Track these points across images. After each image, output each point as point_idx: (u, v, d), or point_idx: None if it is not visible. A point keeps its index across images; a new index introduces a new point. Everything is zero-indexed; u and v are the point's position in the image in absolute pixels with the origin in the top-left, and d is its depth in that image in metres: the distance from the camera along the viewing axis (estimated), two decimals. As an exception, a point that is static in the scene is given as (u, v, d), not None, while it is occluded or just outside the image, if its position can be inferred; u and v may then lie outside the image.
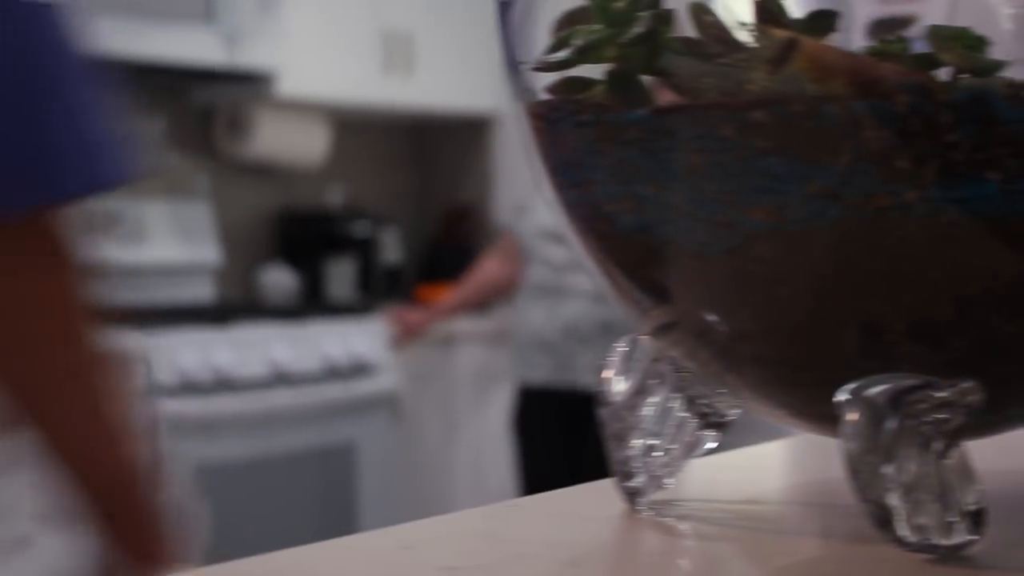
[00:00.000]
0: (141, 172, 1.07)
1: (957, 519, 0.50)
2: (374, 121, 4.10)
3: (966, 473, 0.51)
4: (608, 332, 3.03)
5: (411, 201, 4.30)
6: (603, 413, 0.59)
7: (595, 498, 0.61)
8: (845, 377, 0.53)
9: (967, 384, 0.51)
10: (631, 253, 0.55)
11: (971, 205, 0.49)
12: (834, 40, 0.53)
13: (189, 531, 1.09)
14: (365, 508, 3.36)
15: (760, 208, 0.51)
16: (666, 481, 0.60)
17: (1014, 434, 0.57)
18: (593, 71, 0.59)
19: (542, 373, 3.10)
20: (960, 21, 0.52)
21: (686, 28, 0.57)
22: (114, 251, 3.32)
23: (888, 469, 0.50)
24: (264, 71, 3.35)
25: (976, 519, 0.50)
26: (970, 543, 0.50)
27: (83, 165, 1.01)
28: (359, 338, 3.28)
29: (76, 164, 1.00)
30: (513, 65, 0.59)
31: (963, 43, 0.52)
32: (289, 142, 3.65)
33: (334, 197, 4.01)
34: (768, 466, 0.70)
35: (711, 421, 0.60)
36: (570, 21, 0.59)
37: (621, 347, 0.59)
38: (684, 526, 0.57)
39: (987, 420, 0.54)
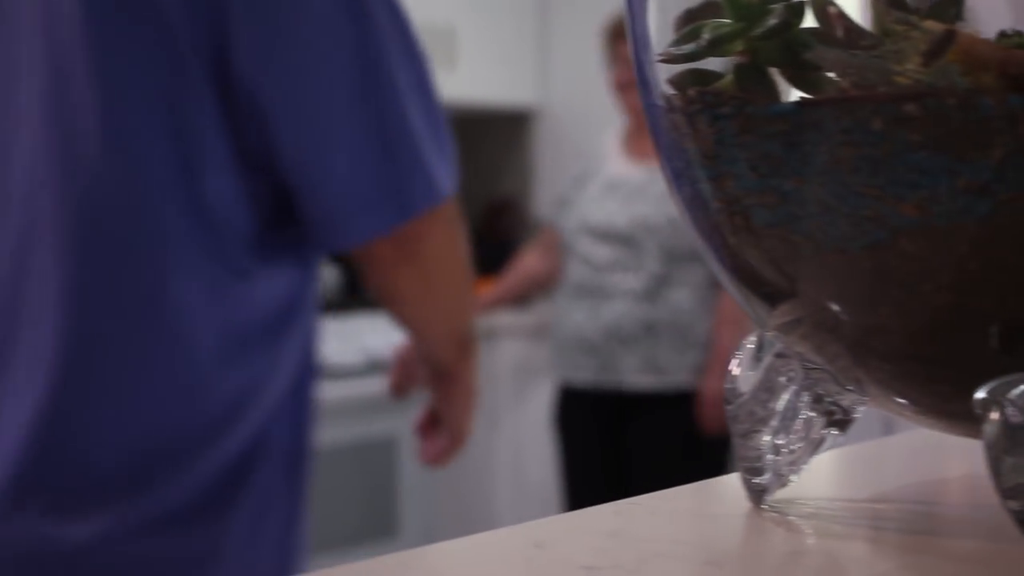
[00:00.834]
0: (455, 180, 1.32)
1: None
2: (414, 114, 4.08)
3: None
4: (650, 332, 3.02)
5: (451, 195, 4.28)
6: (730, 410, 0.58)
7: (717, 495, 0.61)
8: (984, 375, 0.52)
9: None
10: (765, 248, 0.54)
11: None
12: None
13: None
14: (405, 502, 3.36)
15: (908, 202, 0.50)
16: (790, 478, 0.59)
17: None
18: (712, 64, 0.59)
19: (585, 374, 3.09)
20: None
21: (813, 21, 0.56)
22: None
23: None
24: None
25: None
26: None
27: (444, 173, 1.28)
28: (401, 332, 3.27)
29: (443, 172, 1.28)
30: (641, 58, 0.58)
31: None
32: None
33: (374, 190, 4.00)
34: (884, 462, 0.69)
35: (835, 419, 0.59)
36: (695, 15, 0.59)
37: (748, 343, 0.59)
38: (813, 525, 0.57)
39: None
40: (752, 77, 0.57)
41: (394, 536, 3.17)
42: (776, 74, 0.56)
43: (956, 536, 0.56)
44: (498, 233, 4.20)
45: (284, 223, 1.25)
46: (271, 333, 1.27)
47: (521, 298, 3.59)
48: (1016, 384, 0.51)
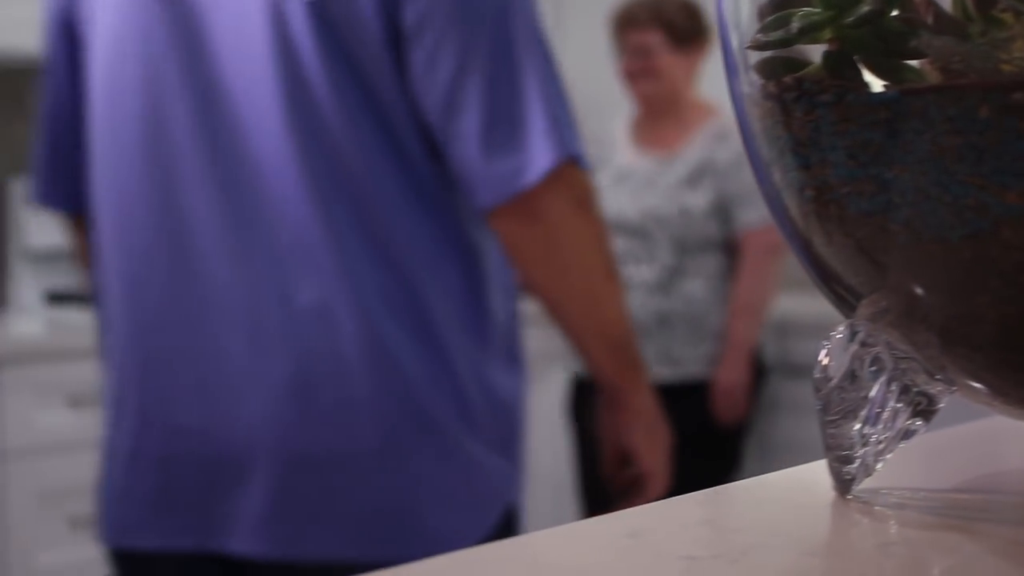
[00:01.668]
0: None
1: None
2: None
3: None
4: (664, 324, 3.01)
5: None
6: (818, 399, 0.58)
7: (803, 484, 0.60)
8: (1082, 365, 0.52)
9: None
10: (859, 236, 0.54)
11: None
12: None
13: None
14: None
15: (1012, 191, 0.49)
16: (875, 468, 0.59)
17: None
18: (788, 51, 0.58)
19: (599, 365, 3.08)
20: None
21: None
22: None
23: None
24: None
25: None
26: None
27: (558, 142, 1.33)
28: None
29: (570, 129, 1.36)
30: (727, 45, 0.58)
31: None
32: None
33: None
34: (957, 451, 0.69)
35: (920, 409, 0.59)
36: (781, 3, 0.58)
37: (836, 332, 0.58)
38: (903, 516, 0.56)
39: None
40: (842, 65, 0.56)
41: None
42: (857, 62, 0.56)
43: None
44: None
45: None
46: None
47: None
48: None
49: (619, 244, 3.04)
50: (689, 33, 3.05)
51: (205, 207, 1.36)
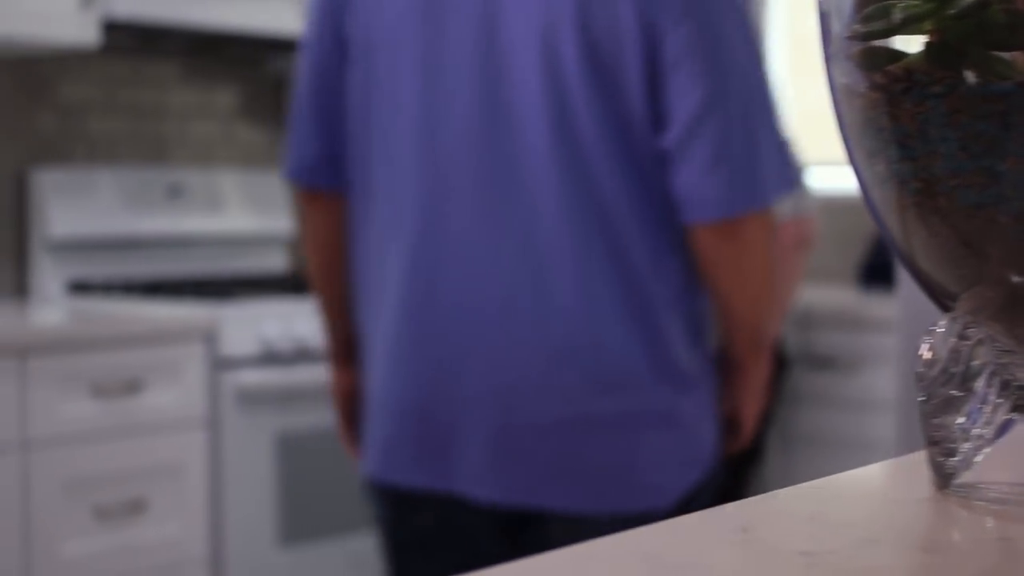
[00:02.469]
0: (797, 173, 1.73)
1: None
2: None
3: None
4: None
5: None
6: (920, 392, 0.57)
7: (898, 478, 0.60)
8: None
9: None
10: (966, 229, 0.54)
11: None
12: None
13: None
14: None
15: None
16: (974, 462, 0.58)
17: None
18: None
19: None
20: None
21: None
22: (188, 221, 3.32)
23: None
24: (341, 41, 3.33)
25: None
26: None
27: (775, 184, 1.61)
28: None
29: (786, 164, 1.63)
30: (827, 34, 0.58)
31: None
32: (363, 112, 3.63)
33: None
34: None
35: (1021, 403, 0.59)
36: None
37: (938, 326, 0.58)
38: (1007, 511, 0.56)
39: None
40: (944, 56, 0.56)
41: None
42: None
43: None
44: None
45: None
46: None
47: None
48: None
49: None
50: None
51: (469, 209, 1.60)
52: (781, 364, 3.09)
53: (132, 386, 2.61)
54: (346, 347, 1.84)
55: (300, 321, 2.88)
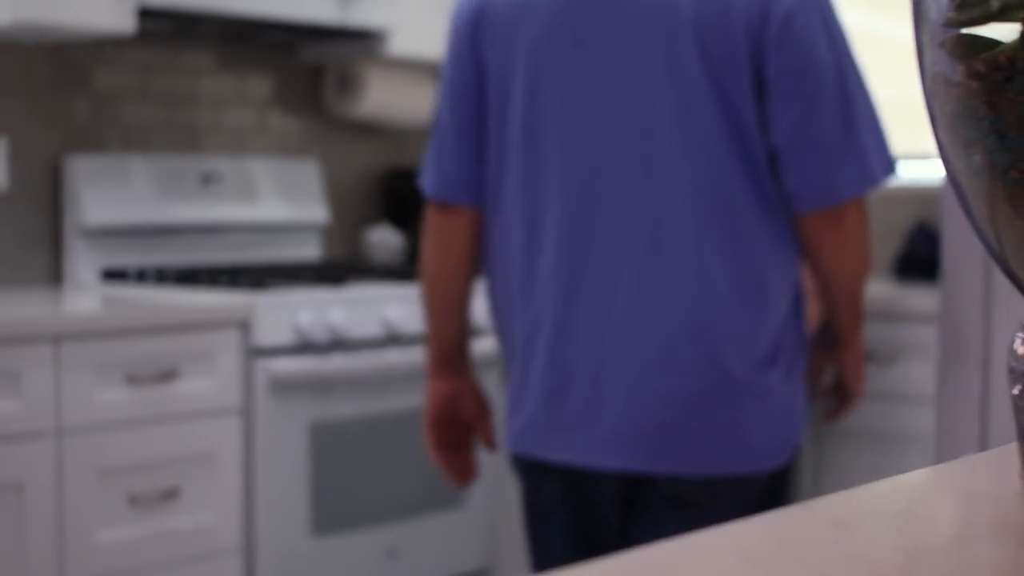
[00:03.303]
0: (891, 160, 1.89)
1: None
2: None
3: None
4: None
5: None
6: (1013, 385, 0.56)
7: (986, 472, 0.59)
8: None
9: None
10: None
11: None
12: None
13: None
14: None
15: None
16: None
17: None
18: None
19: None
20: None
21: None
22: (221, 210, 3.31)
23: None
24: (376, 29, 3.32)
25: None
26: None
27: (876, 167, 1.86)
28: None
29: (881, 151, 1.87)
30: (921, 22, 0.56)
31: None
32: (399, 101, 3.62)
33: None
34: None
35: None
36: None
37: (1030, 319, 0.57)
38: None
39: None
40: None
41: (460, 506, 3.16)
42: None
43: None
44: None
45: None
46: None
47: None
48: None
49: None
50: None
51: (610, 207, 1.83)
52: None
53: (166, 374, 2.61)
54: (449, 353, 2.04)
55: (334, 310, 2.88)
